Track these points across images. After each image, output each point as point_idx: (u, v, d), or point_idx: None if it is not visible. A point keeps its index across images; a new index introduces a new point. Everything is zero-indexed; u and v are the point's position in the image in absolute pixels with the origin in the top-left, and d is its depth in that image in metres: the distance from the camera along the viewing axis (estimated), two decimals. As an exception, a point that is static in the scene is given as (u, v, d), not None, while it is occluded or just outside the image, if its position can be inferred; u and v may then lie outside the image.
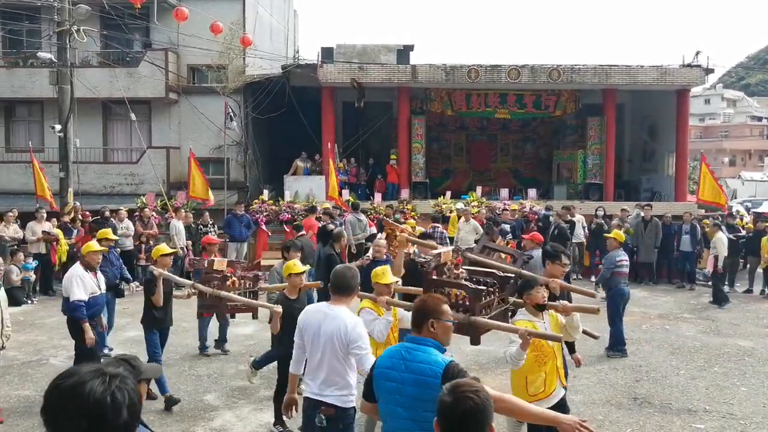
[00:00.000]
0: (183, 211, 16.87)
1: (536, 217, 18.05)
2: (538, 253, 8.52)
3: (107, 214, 15.96)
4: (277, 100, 20.96)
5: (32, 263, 14.65)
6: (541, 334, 5.12)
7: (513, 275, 5.69)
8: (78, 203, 17.50)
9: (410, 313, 4.32)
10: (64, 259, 15.27)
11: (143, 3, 16.97)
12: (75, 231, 15.81)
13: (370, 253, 8.88)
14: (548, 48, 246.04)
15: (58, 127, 17.52)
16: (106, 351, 9.20)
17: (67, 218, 16.37)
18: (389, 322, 5.70)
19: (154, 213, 17.36)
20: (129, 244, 15.54)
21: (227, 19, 20.23)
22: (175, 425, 7.29)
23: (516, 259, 6.81)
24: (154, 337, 7.95)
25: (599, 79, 20.71)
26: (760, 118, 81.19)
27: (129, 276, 10.64)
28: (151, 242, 15.40)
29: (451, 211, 17.49)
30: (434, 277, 5.23)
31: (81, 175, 19.31)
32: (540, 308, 5.39)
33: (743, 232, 17.40)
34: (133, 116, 18.90)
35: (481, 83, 20.94)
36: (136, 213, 16.87)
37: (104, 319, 8.74)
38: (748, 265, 16.86)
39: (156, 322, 7.96)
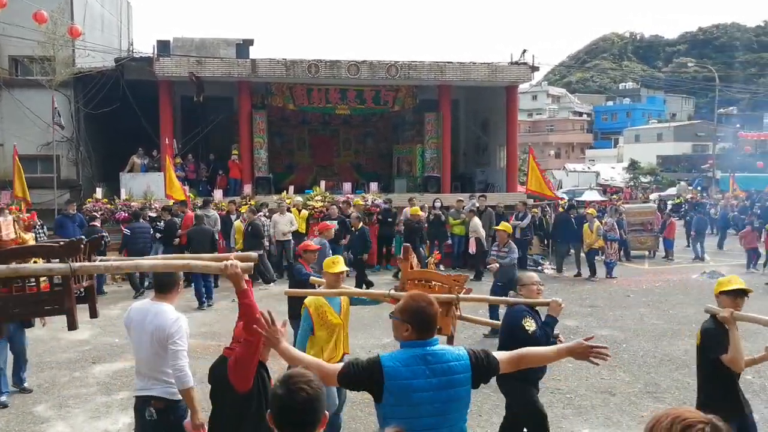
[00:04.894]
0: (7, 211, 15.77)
1: (378, 209, 18.47)
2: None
3: None
4: (112, 94, 20.01)
5: None
6: None
7: None
8: None
9: None
10: None
11: (-45, -12, 15.66)
12: None
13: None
14: (387, 44, 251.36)
15: None
16: (3, 399, 7.74)
17: None
18: None
19: (-26, 215, 16.13)
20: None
21: (52, 8, 19.03)
22: (4, 440, 6.90)
23: None
24: None
25: (435, 75, 21.43)
26: (580, 113, 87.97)
27: None
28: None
29: (295, 206, 17.58)
30: None
31: None
32: None
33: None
34: (-54, 111, 17.44)
35: (321, 78, 21.04)
36: (-46, 215, 15.60)
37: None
38: (572, 251, 18.13)
39: None
